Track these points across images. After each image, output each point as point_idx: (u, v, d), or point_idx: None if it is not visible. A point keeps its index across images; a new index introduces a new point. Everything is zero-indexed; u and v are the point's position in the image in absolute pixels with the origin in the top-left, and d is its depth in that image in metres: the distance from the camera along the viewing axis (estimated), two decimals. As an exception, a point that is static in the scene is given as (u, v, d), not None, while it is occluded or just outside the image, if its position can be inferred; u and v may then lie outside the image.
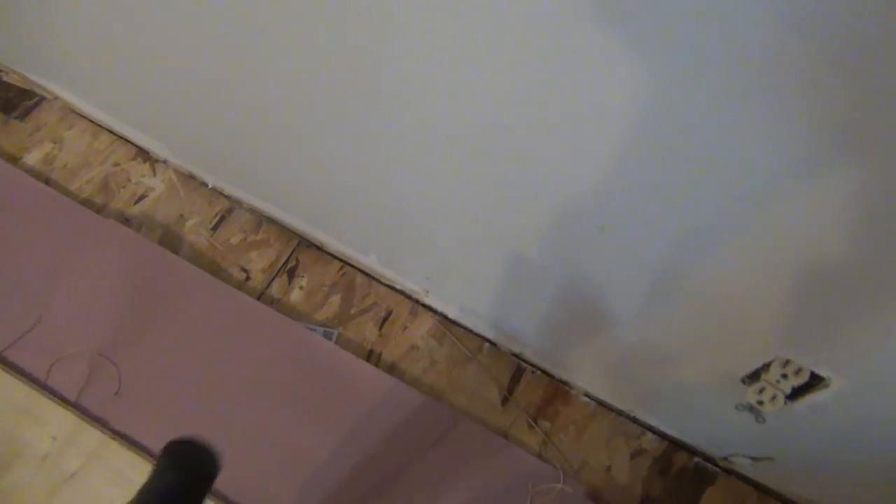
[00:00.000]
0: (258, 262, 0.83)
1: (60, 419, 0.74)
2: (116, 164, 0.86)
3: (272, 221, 0.84)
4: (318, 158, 0.66)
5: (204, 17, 0.54)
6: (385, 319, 0.82)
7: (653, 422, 0.78)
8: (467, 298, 0.77)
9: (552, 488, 0.75)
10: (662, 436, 0.77)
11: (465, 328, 0.81)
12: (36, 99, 0.87)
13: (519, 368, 0.81)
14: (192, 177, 0.84)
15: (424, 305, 0.82)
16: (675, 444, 0.77)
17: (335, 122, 0.57)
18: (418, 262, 0.75)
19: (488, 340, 0.81)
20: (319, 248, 0.83)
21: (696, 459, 0.77)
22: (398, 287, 0.82)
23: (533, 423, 0.78)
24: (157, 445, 0.67)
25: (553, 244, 0.55)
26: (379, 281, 0.83)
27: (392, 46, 0.45)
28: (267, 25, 0.50)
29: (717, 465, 0.76)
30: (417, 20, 0.41)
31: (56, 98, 0.86)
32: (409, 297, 0.82)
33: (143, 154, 0.86)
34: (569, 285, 0.62)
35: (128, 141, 0.86)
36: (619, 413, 0.79)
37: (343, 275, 0.83)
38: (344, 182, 0.67)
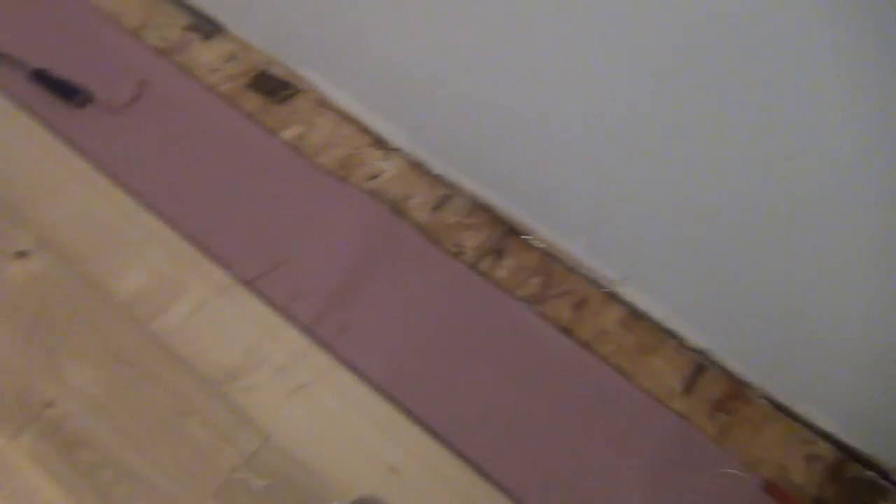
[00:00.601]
0: (470, 241, 1.06)
1: (295, 340, 0.97)
2: (356, 148, 1.13)
3: (484, 209, 1.07)
4: (544, 147, 0.90)
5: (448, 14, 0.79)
6: (580, 304, 1.02)
7: (831, 429, 0.93)
8: (663, 292, 0.97)
9: (731, 474, 0.91)
10: (838, 444, 0.92)
11: (653, 320, 1.00)
12: (294, 89, 1.16)
13: (702, 365, 0.99)
14: (419, 164, 1.10)
15: (617, 295, 1.02)
16: (851, 454, 0.92)
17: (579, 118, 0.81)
18: (624, 251, 0.96)
19: (674, 335, 0.99)
20: (524, 237, 1.05)
21: (870, 473, 0.91)
22: (594, 277, 1.02)
23: (712, 414, 0.95)
24: (374, 377, 0.89)
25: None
26: (576, 270, 1.04)
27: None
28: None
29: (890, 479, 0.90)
30: None
31: (311, 91, 1.15)
32: (603, 286, 1.02)
33: (378, 142, 1.12)
34: (796, 311, 0.81)
35: (367, 131, 1.13)
36: (796, 418, 0.94)
37: (544, 262, 1.05)
38: (568, 172, 0.91)
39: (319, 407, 0.90)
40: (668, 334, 0.97)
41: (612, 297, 0.99)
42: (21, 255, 1.00)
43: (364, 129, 1.10)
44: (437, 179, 1.06)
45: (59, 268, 0.99)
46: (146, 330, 0.95)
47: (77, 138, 1.08)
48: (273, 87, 1.14)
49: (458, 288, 0.98)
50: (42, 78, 1.12)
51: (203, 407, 0.90)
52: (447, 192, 1.06)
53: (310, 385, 0.92)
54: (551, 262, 1.01)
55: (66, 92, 1.11)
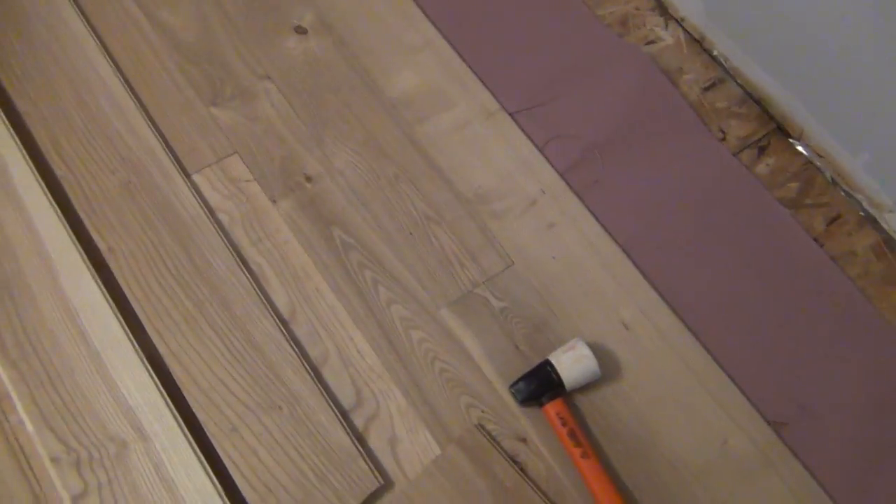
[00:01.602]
0: (736, 130, 1.01)
1: (551, 179, 0.96)
2: (637, 9, 1.08)
3: (757, 102, 1.02)
4: (841, 39, 0.84)
5: None
6: (834, 219, 0.98)
7: None
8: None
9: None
10: None
11: (911, 257, 0.96)
12: (581, -65, 1.10)
13: (949, 311, 0.94)
14: (700, 40, 1.05)
15: (876, 220, 0.97)
16: None
17: None
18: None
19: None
20: (791, 139, 1.01)
21: None
22: (859, 196, 0.98)
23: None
24: (620, 235, 0.88)
25: None
26: (838, 184, 0.99)
27: None
28: None
29: None
30: None
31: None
32: (865, 209, 0.98)
33: (661, 8, 1.07)
34: None
35: (651, -7, 1.07)
36: None
37: (806, 169, 1.00)
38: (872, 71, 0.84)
39: (564, 249, 0.90)
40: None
41: (870, 221, 0.95)
42: (300, 30, 1.00)
43: (648, -9, 1.05)
44: (714, 60, 1.02)
45: (336, 53, 1.00)
46: (409, 132, 0.96)
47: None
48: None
49: (716, 170, 0.95)
50: None
51: (454, 220, 0.91)
52: (722, 75, 1.02)
53: (558, 225, 0.92)
54: (814, 172, 0.97)
55: None
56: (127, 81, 0.95)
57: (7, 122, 0.90)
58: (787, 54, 0.94)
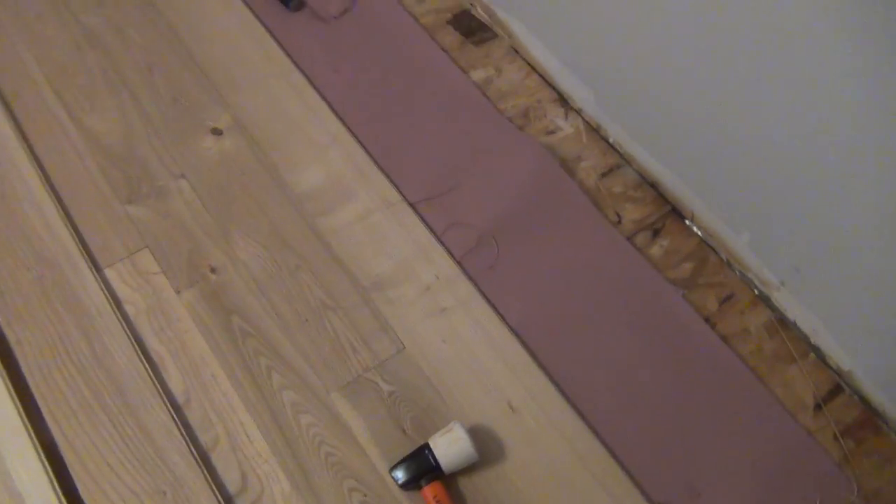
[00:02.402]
0: (632, 213, 1.04)
1: (445, 265, 0.99)
2: (539, 101, 1.13)
3: (651, 186, 1.06)
4: (725, 134, 0.87)
5: None
6: (727, 298, 0.99)
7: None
8: (818, 305, 0.93)
9: (844, 498, 0.87)
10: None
11: (800, 332, 0.97)
12: (491, 34, 1.17)
13: (838, 387, 0.94)
14: (596, 128, 1.09)
15: (768, 298, 0.98)
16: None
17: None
18: (792, 252, 0.92)
19: (818, 351, 0.96)
20: (686, 221, 1.03)
21: None
22: (749, 275, 0.99)
23: (839, 437, 0.91)
24: (512, 317, 0.90)
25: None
26: (731, 265, 1.01)
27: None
28: None
29: None
30: None
31: (507, 38, 1.16)
32: (756, 286, 0.99)
33: (562, 100, 1.12)
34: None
35: (553, 87, 1.13)
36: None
37: (700, 249, 1.02)
38: (748, 153, 0.88)
39: (455, 332, 0.92)
40: (812, 348, 0.93)
41: (762, 299, 0.96)
42: (216, 131, 1.06)
43: (550, 84, 1.10)
44: (611, 148, 1.06)
45: (247, 151, 1.05)
46: (313, 224, 1.00)
47: (285, 38, 1.14)
48: (472, 27, 1.16)
49: (610, 254, 0.98)
50: (266, -22, 1.18)
51: (350, 307, 0.94)
52: (619, 161, 1.05)
53: (450, 310, 0.94)
54: (707, 252, 0.99)
55: (285, -5, 1.16)
56: (49, 182, 1.01)
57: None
58: (670, 140, 0.98)
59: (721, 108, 0.86)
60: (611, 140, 1.06)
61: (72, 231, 0.97)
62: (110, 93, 1.08)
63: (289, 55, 1.12)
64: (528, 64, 1.13)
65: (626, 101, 1.01)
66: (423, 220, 1.01)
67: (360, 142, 1.06)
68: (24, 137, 1.05)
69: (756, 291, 0.97)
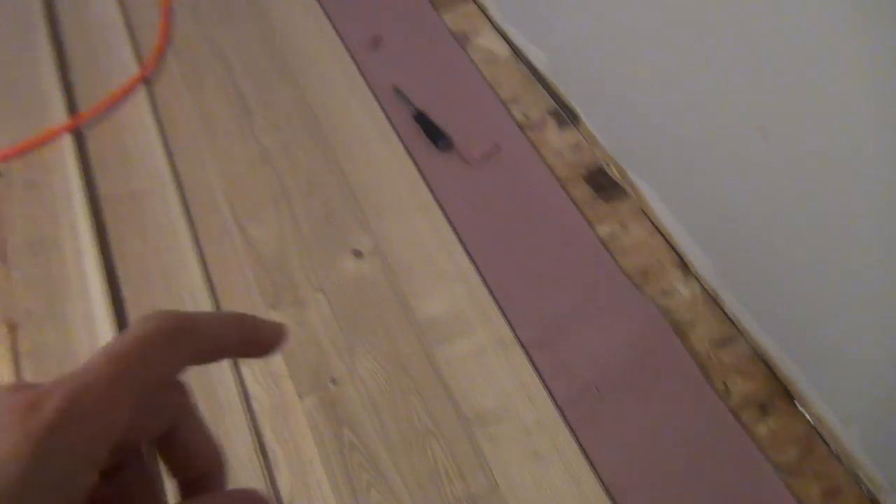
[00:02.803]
0: (741, 387, 1.05)
1: (547, 410, 1.03)
2: (659, 262, 1.17)
3: (764, 362, 1.06)
4: (850, 326, 0.88)
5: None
6: (832, 493, 0.97)
7: None
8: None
9: None
10: None
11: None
12: (620, 191, 1.23)
13: None
14: (714, 297, 1.12)
15: (877, 502, 0.95)
16: None
17: None
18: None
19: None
20: (797, 403, 1.03)
21: None
22: (859, 473, 0.97)
23: None
24: (606, 474, 0.92)
25: None
26: (840, 459, 0.99)
27: None
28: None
29: None
30: None
31: (636, 198, 1.22)
32: (865, 485, 0.96)
33: (682, 264, 1.16)
34: None
35: (675, 250, 1.17)
36: None
37: (809, 435, 1.01)
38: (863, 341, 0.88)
39: (549, 480, 0.95)
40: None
41: (872, 501, 0.93)
42: (357, 253, 1.17)
43: (673, 247, 1.14)
44: (727, 318, 1.07)
45: (381, 274, 1.15)
46: (429, 351, 1.07)
47: (431, 174, 1.25)
48: (604, 184, 1.23)
49: (714, 426, 0.99)
50: (421, 118, 1.31)
51: (451, 437, 0.99)
52: (733, 332, 1.07)
53: (546, 456, 0.97)
54: (816, 439, 0.98)
55: (435, 135, 1.28)
56: (208, 277, 1.14)
57: (110, 295, 1.11)
58: (786, 321, 0.99)
59: (845, 301, 0.87)
60: (727, 310, 1.09)
61: (219, 327, 1.09)
62: (273, 207, 1.22)
63: (432, 190, 1.22)
64: (654, 225, 1.18)
65: (746, 275, 1.03)
66: (531, 362, 1.06)
67: (484, 279, 1.13)
68: (195, 234, 1.19)
69: (865, 491, 0.95)
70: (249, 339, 0.29)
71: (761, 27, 0.82)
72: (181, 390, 0.30)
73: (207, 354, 0.28)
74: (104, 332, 1.09)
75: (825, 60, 0.75)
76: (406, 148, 1.30)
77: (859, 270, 0.84)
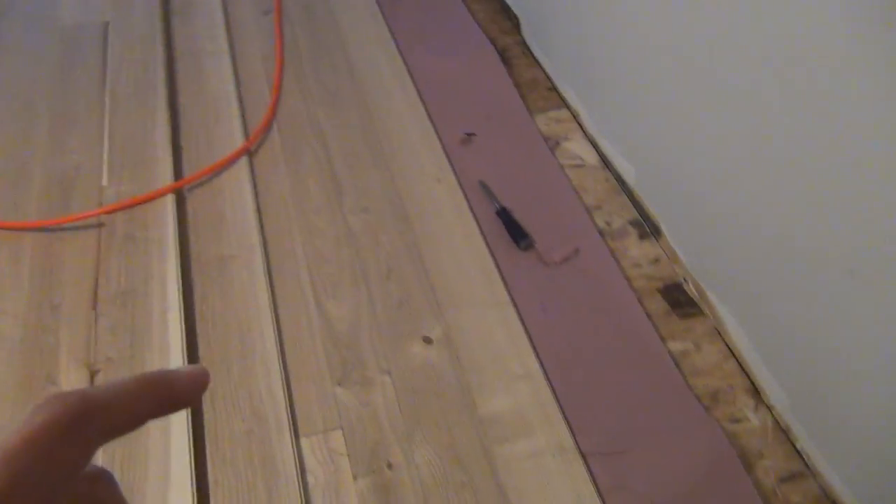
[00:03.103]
0: (806, 528, 1.01)
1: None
2: (730, 387, 1.15)
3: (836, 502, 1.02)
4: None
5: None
6: None
7: None
8: None
9: None
10: None
11: None
12: (696, 309, 1.23)
13: None
14: (786, 430, 1.09)
15: None
16: None
17: None
18: None
19: None
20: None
21: None
22: None
23: None
24: None
25: None
26: None
27: None
28: None
29: None
30: None
31: (711, 317, 1.21)
32: None
33: (755, 392, 1.14)
34: None
35: (748, 376, 1.15)
36: None
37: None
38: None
39: None
40: None
41: None
42: (427, 340, 1.19)
43: (746, 373, 1.13)
44: (797, 454, 1.04)
45: (448, 364, 1.17)
46: (488, 448, 1.07)
47: (508, 272, 1.27)
48: (680, 300, 1.23)
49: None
50: (505, 215, 1.35)
51: (501, 538, 0.98)
52: (802, 470, 1.04)
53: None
54: None
55: (517, 234, 1.32)
56: (282, 347, 1.18)
57: (187, 350, 1.16)
58: (863, 467, 0.96)
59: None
60: (798, 446, 1.06)
61: (287, 397, 1.12)
62: (352, 285, 1.26)
63: (507, 287, 1.25)
64: (728, 348, 1.17)
65: (823, 412, 1.01)
66: (590, 472, 1.05)
67: (550, 382, 1.14)
68: (275, 303, 1.24)
69: None
70: (166, 398, 0.26)
71: (860, 173, 0.83)
72: (105, 482, 0.26)
73: (121, 429, 0.25)
74: (177, 387, 1.13)
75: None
76: (487, 242, 1.33)
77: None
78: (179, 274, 1.26)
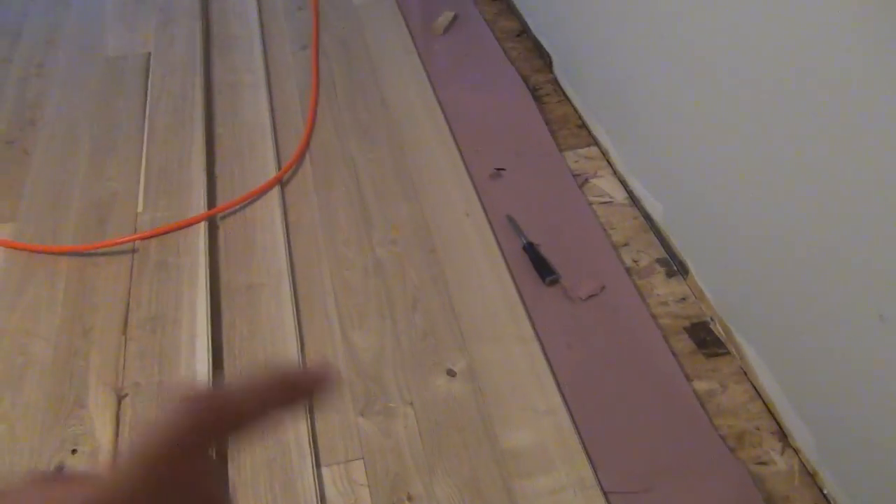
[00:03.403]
0: (832, 577, 0.99)
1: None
2: (757, 429, 1.14)
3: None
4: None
5: None
6: None
7: None
8: None
9: None
10: None
11: None
12: (724, 351, 1.22)
13: None
14: (812, 474, 1.07)
15: None
16: None
17: None
18: None
19: None
20: None
21: None
22: None
23: None
24: None
25: None
26: None
27: None
28: None
29: None
30: None
31: (738, 358, 1.20)
32: None
33: (781, 434, 1.12)
34: None
35: (775, 418, 1.14)
36: None
37: None
38: None
39: None
40: None
41: None
42: (451, 373, 1.20)
43: (773, 415, 1.12)
44: (825, 499, 1.03)
45: (471, 398, 1.17)
46: (508, 483, 1.07)
47: (534, 307, 1.28)
48: (707, 340, 1.22)
49: None
50: (531, 250, 1.36)
51: (519, 575, 0.97)
52: (823, 517, 1.02)
53: None
54: None
55: (543, 270, 1.32)
56: (307, 378, 1.20)
57: (213, 377, 1.17)
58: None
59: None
60: (825, 491, 1.04)
61: (309, 425, 1.13)
62: (377, 316, 1.28)
63: (532, 322, 1.25)
64: (755, 388, 1.16)
65: (851, 457, 1.00)
66: (606, 514, 1.04)
67: (573, 418, 1.14)
68: (300, 331, 1.26)
69: None
70: (289, 400, 0.27)
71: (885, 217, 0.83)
72: (218, 477, 0.27)
73: (248, 429, 0.26)
74: (203, 412, 1.15)
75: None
76: (513, 277, 1.34)
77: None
78: (208, 301, 1.28)
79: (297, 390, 0.28)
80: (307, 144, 1.62)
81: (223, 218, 1.45)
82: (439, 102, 1.73)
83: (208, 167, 1.56)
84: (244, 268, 1.36)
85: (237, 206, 1.45)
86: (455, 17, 2.01)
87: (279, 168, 1.54)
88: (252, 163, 1.58)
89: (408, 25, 2.00)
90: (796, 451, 1.09)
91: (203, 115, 1.68)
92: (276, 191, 1.51)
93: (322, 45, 1.95)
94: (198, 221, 1.40)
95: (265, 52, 1.91)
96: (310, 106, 1.71)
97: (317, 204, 1.49)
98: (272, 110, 1.71)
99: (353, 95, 1.78)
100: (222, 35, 2.00)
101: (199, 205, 1.45)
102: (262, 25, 2.01)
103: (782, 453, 1.10)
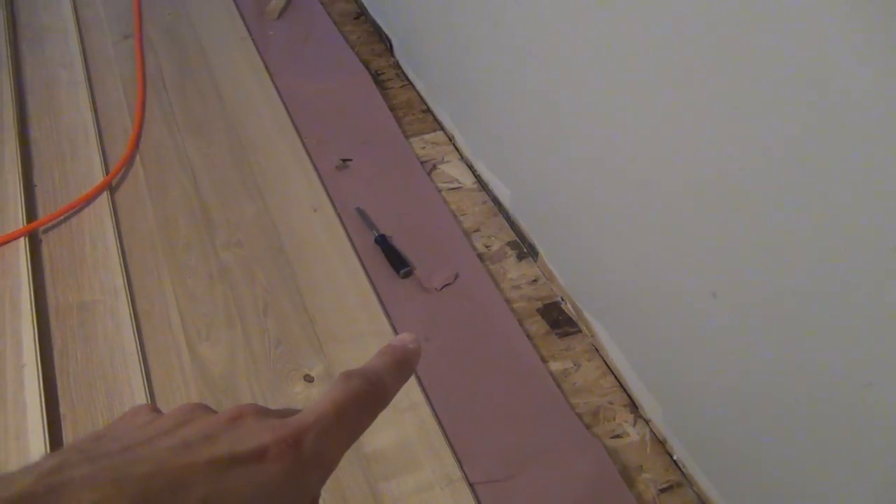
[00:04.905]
0: (685, 537, 1.06)
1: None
2: (610, 403, 1.20)
3: (710, 512, 1.07)
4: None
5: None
6: None
7: None
8: None
9: None
10: None
11: None
12: (575, 328, 1.27)
13: None
14: (663, 442, 1.14)
15: None
16: None
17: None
18: None
19: None
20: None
21: None
22: None
23: None
24: None
25: None
26: None
27: None
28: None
29: None
30: None
31: (589, 336, 1.25)
32: None
33: (633, 407, 1.18)
34: None
35: (626, 392, 1.20)
36: None
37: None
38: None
39: None
40: None
41: None
42: (308, 378, 1.18)
43: (624, 389, 1.17)
44: (675, 464, 1.09)
45: (332, 403, 1.15)
46: (374, 486, 1.06)
47: (389, 301, 1.27)
48: (559, 320, 1.26)
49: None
50: (384, 243, 1.35)
51: (391, 579, 0.98)
52: (680, 479, 1.08)
53: None
54: None
55: (396, 262, 1.32)
56: (152, 395, 1.13)
57: (46, 409, 1.09)
58: (732, 473, 1.01)
59: (791, 456, 0.90)
60: (675, 457, 1.10)
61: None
62: (226, 326, 1.23)
63: (388, 317, 1.25)
64: (606, 364, 1.21)
65: (694, 423, 1.06)
66: (478, 502, 1.06)
67: (434, 412, 1.14)
68: (143, 349, 1.19)
69: None
70: (409, 371, 0.32)
71: (720, 201, 0.88)
72: None
73: (388, 402, 0.31)
74: (36, 446, 1.07)
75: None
76: (366, 272, 1.33)
77: (803, 424, 0.87)
78: (35, 326, 1.19)
79: (409, 367, 0.32)
80: (136, 145, 1.52)
81: (46, 231, 1.35)
82: (279, 92, 1.67)
83: (25, 175, 1.43)
84: (74, 285, 1.27)
85: (61, 217, 1.35)
86: (289, 0, 1.95)
87: (106, 172, 1.44)
88: (75, 168, 1.47)
89: (239, 10, 1.92)
90: (647, 422, 1.15)
91: (15, 118, 1.54)
92: (104, 197, 1.41)
93: (146, 34, 1.83)
94: (16, 237, 1.29)
95: (82, 43, 1.78)
96: (137, 102, 1.61)
97: (152, 209, 1.41)
98: (95, 109, 1.60)
99: (184, 88, 1.69)
100: (32, 26, 1.84)
101: (16, 218, 1.34)
102: (76, 13, 1.86)
103: (634, 424, 1.16)
